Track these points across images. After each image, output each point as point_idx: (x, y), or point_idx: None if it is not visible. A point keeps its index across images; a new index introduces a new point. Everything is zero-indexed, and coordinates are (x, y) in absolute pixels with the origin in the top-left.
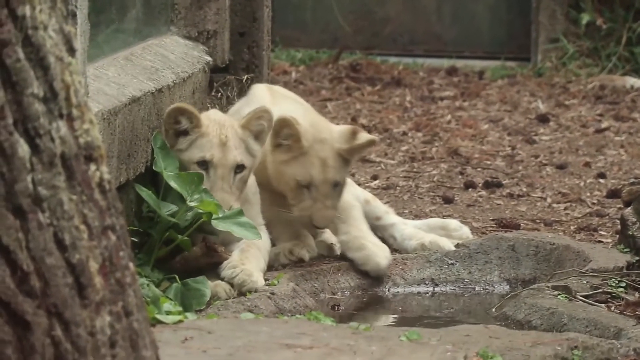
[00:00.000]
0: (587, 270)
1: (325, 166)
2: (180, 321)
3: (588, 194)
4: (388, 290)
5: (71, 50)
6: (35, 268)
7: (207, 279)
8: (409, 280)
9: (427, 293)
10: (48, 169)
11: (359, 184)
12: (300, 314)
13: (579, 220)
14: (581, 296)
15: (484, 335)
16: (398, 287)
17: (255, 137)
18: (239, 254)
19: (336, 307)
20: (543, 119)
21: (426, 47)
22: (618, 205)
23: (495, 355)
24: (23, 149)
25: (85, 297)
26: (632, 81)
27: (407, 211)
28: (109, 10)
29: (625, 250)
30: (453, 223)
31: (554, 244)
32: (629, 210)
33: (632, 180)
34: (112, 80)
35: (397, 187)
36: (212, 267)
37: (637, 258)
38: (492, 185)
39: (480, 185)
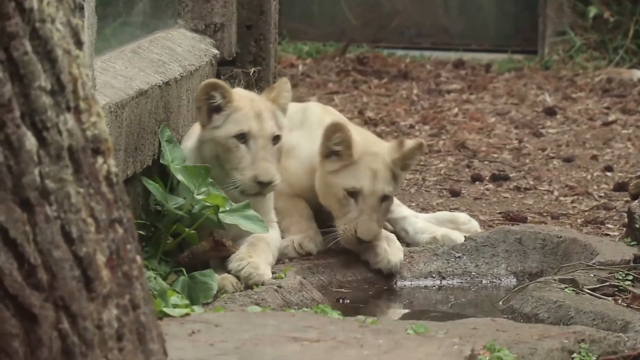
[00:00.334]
0: (594, 264)
1: (376, 178)
2: (187, 314)
3: (595, 187)
4: (395, 284)
5: (78, 43)
6: (43, 261)
7: (214, 272)
8: (416, 274)
9: (434, 286)
10: (55, 162)
11: None
12: (307, 307)
13: (586, 213)
14: (588, 289)
15: (491, 329)
16: (405, 280)
17: (282, 110)
18: (247, 247)
19: (341, 300)
20: (550, 112)
21: (433, 40)
22: (625, 199)
23: (502, 349)
24: (30, 141)
25: (93, 290)
26: (639, 74)
27: (414, 204)
28: (116, 3)
29: (632, 243)
30: (462, 216)
31: (561, 237)
32: (636, 203)
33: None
34: (120, 73)
35: (404, 180)
36: (220, 259)
37: None
38: (499, 178)
39: (487, 178)
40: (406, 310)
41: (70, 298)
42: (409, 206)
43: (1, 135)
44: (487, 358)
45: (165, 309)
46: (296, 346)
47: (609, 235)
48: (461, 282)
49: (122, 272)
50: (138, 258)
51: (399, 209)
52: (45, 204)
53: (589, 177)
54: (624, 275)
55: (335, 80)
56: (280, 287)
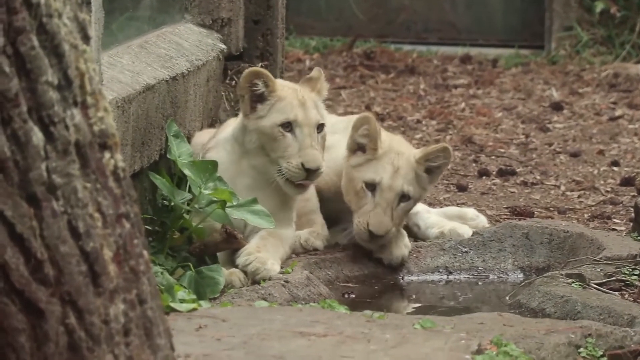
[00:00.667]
0: (600, 258)
1: (397, 174)
2: (194, 309)
3: (602, 182)
4: (402, 279)
5: (85, 38)
6: (49, 256)
7: (222, 267)
8: (423, 268)
9: (441, 281)
10: (62, 157)
11: None
12: (314, 302)
13: (593, 208)
14: (595, 284)
15: (497, 323)
16: (412, 275)
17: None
18: (257, 241)
19: (348, 295)
20: (557, 106)
21: (440, 35)
22: (632, 193)
23: (509, 343)
24: (37, 136)
25: (99, 285)
26: None
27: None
28: None
29: (639, 238)
30: (470, 212)
31: (567, 231)
32: None
33: None
34: (127, 68)
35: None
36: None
37: None
38: (506, 173)
39: (494, 173)
40: (413, 305)
41: (77, 293)
42: None
43: (8, 130)
44: (494, 353)
45: (172, 304)
46: (303, 341)
47: (615, 230)
48: (468, 277)
49: (129, 267)
50: (145, 253)
51: None
52: (52, 199)
53: (595, 172)
54: (630, 270)
55: (342, 75)
56: (287, 282)
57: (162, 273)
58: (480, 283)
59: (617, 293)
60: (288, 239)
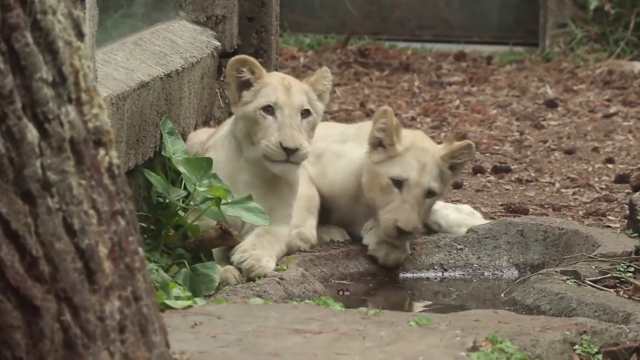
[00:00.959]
0: (595, 255)
1: (423, 170)
2: (189, 306)
3: (596, 179)
4: (397, 276)
5: (80, 35)
6: (45, 253)
7: (217, 264)
8: (418, 266)
9: (436, 278)
10: (57, 154)
11: None
12: (309, 299)
13: (588, 205)
14: (590, 281)
15: (493, 320)
16: (407, 272)
17: (318, 97)
18: (253, 238)
19: (343, 292)
20: (551, 104)
21: (434, 32)
22: (626, 190)
23: (504, 340)
24: (32, 133)
25: (95, 282)
26: (639, 66)
27: None
28: None
29: (633, 235)
30: (465, 208)
31: (562, 229)
32: (637, 195)
33: None
34: (121, 65)
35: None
36: (226, 248)
37: None
38: (500, 170)
39: (488, 170)
40: (408, 302)
41: (72, 290)
42: None
43: (3, 127)
44: (489, 350)
45: (168, 301)
46: (298, 338)
47: (610, 227)
48: (463, 274)
49: (124, 264)
50: (140, 250)
51: None
52: (47, 195)
53: (590, 169)
54: (625, 267)
55: (336, 72)
56: (282, 279)
57: (157, 270)
58: (475, 280)
59: (612, 290)
60: (284, 237)
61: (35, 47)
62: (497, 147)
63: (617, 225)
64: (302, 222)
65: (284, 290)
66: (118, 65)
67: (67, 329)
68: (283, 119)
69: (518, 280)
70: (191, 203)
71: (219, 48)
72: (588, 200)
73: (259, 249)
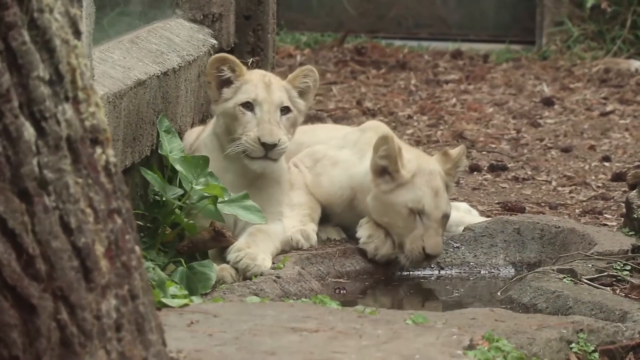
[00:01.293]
0: (592, 254)
1: (437, 196)
2: (186, 305)
3: (593, 177)
4: (394, 274)
5: (77, 33)
6: (41, 251)
7: (213, 262)
8: None
9: (433, 276)
10: (54, 152)
11: None
12: (306, 298)
13: (584, 203)
14: (586, 279)
15: (489, 319)
16: (403, 270)
17: (299, 94)
18: (246, 238)
19: (339, 290)
20: (548, 102)
21: (431, 30)
22: (623, 189)
23: (500, 339)
24: (29, 132)
25: (91, 281)
26: (636, 64)
27: None
28: None
29: (630, 233)
30: (462, 206)
31: (559, 227)
32: (634, 193)
33: (637, 163)
34: (118, 63)
35: None
36: (220, 249)
37: None
38: (497, 168)
39: (485, 168)
40: (405, 301)
41: (69, 288)
42: None
43: None
44: (486, 348)
45: (164, 300)
46: (295, 336)
47: (607, 225)
48: (460, 273)
49: (120, 262)
50: (137, 248)
51: None
52: (43, 194)
53: (586, 167)
54: (622, 265)
55: (333, 70)
56: (278, 277)
57: (153, 268)
58: (471, 278)
59: (608, 288)
60: (278, 234)
61: (32, 45)
62: (493, 145)
63: (614, 223)
64: (304, 226)
65: (280, 288)
66: (115, 64)
67: (63, 327)
68: (262, 115)
69: (515, 279)
70: (187, 201)
71: (216, 46)
72: (585, 199)
73: (254, 247)
